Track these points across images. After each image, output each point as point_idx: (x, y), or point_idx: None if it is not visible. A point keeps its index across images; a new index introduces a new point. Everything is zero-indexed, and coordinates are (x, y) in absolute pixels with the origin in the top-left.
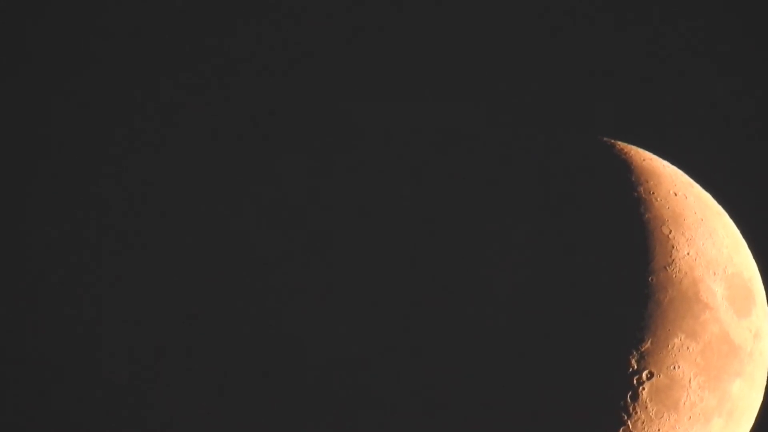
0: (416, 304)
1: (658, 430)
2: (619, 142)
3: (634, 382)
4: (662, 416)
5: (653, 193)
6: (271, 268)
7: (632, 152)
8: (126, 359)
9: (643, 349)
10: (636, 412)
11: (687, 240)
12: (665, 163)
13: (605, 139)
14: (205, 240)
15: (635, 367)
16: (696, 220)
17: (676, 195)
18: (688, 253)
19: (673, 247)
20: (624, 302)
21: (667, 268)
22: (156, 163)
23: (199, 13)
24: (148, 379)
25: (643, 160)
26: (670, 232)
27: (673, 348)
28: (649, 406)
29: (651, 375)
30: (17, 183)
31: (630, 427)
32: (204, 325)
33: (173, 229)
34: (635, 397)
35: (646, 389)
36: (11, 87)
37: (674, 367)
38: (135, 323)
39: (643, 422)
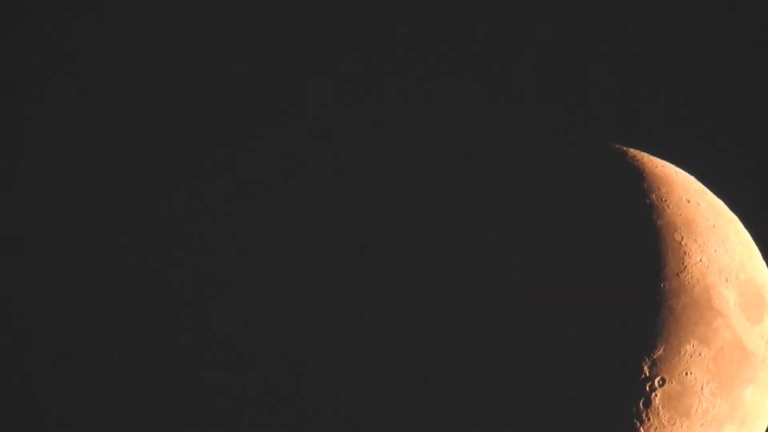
0: (427, 309)
1: None
2: (632, 150)
3: (647, 388)
4: (675, 423)
5: (665, 200)
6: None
7: (645, 159)
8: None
9: (655, 356)
10: (648, 419)
11: (699, 247)
12: (678, 170)
13: (618, 146)
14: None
15: (648, 373)
16: (708, 227)
17: (688, 202)
18: (700, 260)
19: (685, 253)
20: (636, 309)
21: (680, 274)
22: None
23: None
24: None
25: (656, 167)
26: (683, 239)
27: (685, 354)
28: (661, 412)
29: (663, 381)
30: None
31: None
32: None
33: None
34: (648, 403)
35: (658, 396)
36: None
37: (686, 374)
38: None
39: (655, 429)
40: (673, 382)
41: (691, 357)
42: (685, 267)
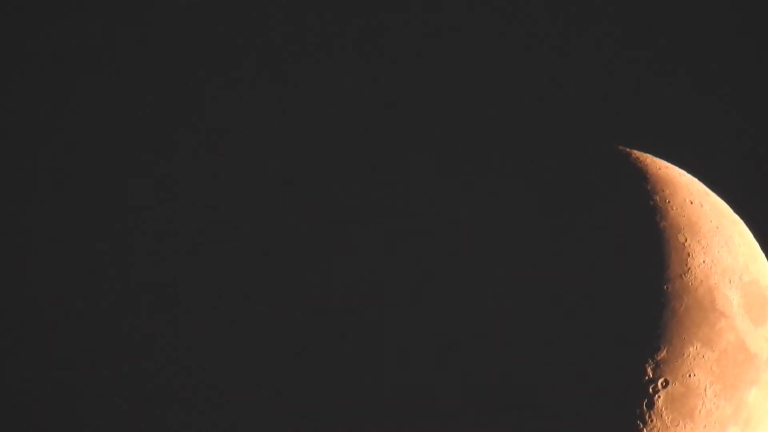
0: (428, 308)
1: None
2: (635, 151)
3: (650, 390)
4: (678, 424)
5: (669, 201)
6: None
7: (648, 161)
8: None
9: (658, 358)
10: (652, 420)
11: (703, 248)
12: (681, 171)
13: (621, 147)
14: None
15: (651, 375)
16: (712, 228)
17: (692, 203)
18: (703, 261)
19: (688, 255)
20: (639, 310)
21: (683, 276)
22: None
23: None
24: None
25: (659, 168)
26: (686, 240)
27: (688, 356)
28: (664, 414)
29: (666, 383)
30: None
31: None
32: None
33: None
34: (651, 405)
35: (661, 397)
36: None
37: (690, 376)
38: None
39: (658, 430)
40: (677, 384)
41: (695, 359)
42: (689, 268)
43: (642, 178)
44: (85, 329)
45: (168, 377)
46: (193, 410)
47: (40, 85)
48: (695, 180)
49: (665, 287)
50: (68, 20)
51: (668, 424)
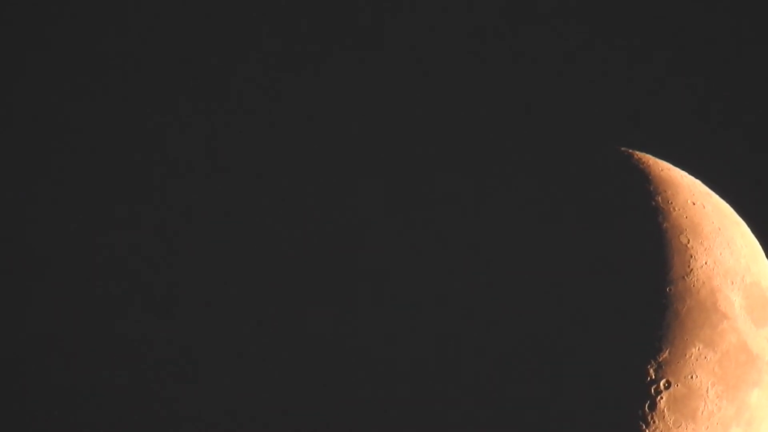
0: (428, 308)
1: None
2: (637, 152)
3: (652, 391)
4: (680, 426)
5: (671, 202)
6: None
7: (650, 162)
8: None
9: (661, 359)
10: (654, 422)
11: (705, 249)
12: (683, 173)
13: (623, 149)
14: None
15: (653, 376)
16: (714, 230)
17: (693, 204)
18: (705, 263)
19: (691, 256)
20: (642, 312)
21: (685, 277)
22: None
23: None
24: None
25: (661, 170)
26: (688, 241)
27: (690, 357)
28: (667, 415)
29: (669, 384)
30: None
31: None
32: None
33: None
34: (653, 406)
35: (664, 399)
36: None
37: (692, 377)
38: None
39: (661, 431)
40: (679, 385)
41: (697, 360)
42: (691, 270)
43: (644, 180)
44: (84, 329)
45: (168, 377)
46: (193, 411)
47: (40, 85)
48: (697, 181)
49: (668, 289)
50: (68, 20)
51: (670, 425)
